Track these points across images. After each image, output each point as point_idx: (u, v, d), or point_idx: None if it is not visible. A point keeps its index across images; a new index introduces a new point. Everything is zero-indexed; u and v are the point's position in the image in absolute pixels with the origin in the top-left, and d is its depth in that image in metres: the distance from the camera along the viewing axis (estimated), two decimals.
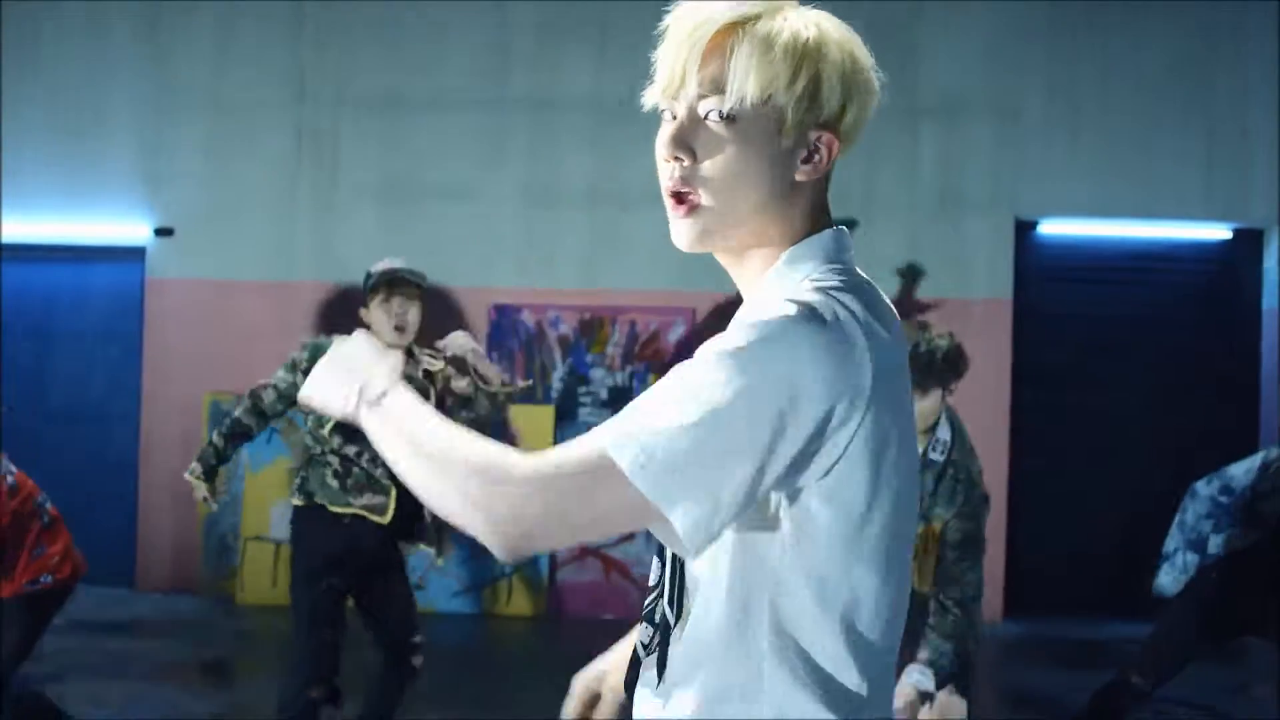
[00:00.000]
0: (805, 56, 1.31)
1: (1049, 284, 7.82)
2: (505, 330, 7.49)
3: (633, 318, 7.51)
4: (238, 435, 3.93)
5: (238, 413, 3.93)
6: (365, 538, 3.83)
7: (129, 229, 7.94)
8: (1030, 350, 7.65)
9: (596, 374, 7.54)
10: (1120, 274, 8.07)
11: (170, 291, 7.89)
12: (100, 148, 7.93)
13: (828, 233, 1.36)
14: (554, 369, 7.52)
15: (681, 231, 1.37)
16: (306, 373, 3.51)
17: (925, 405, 3.42)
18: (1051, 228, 7.97)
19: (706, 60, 1.31)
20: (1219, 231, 7.95)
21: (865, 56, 1.37)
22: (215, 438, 3.93)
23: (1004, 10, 7.82)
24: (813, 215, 1.38)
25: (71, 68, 7.97)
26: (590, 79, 7.74)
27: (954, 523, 3.48)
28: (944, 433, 3.52)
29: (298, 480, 4.01)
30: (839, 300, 1.25)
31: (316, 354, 3.74)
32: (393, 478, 3.71)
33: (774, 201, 1.34)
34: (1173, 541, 4.02)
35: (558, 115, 7.78)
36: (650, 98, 1.38)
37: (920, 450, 2.93)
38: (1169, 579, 3.99)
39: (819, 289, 1.27)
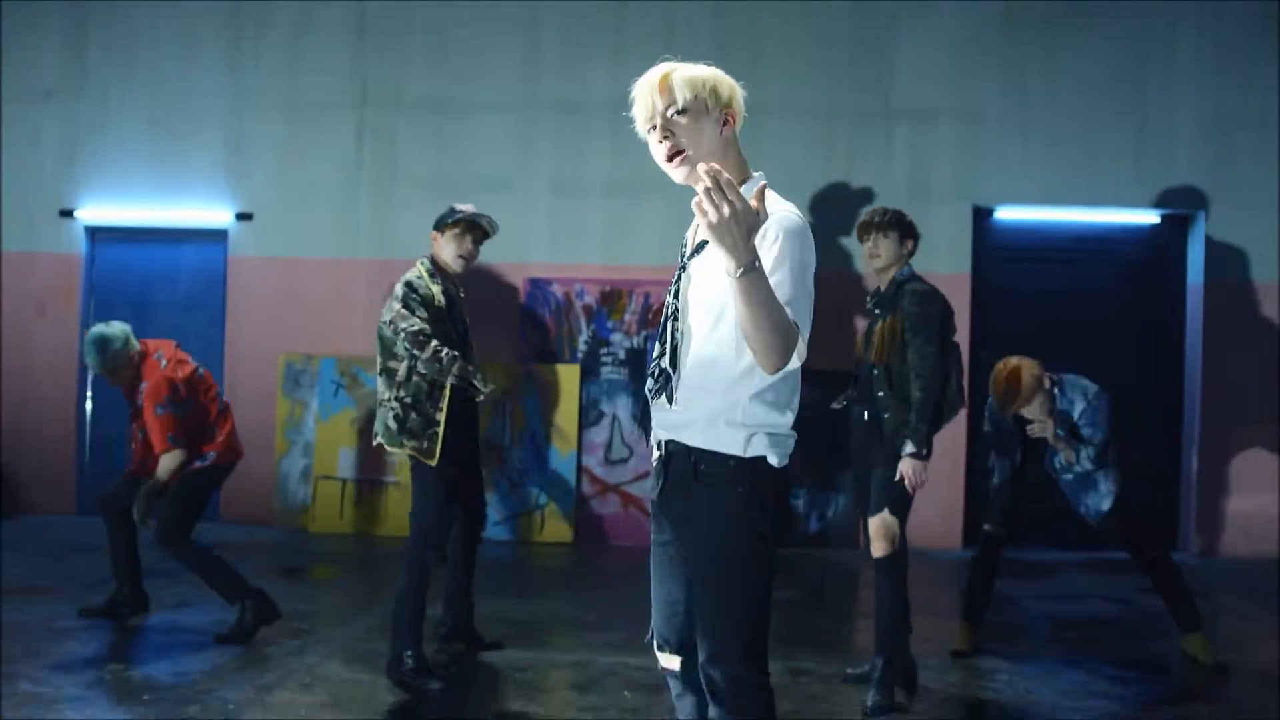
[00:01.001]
0: (707, 75, 2.51)
1: (1003, 262, 8.47)
2: (538, 300, 8.34)
3: (647, 290, 8.27)
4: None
5: (427, 356, 4.56)
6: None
7: (214, 214, 8.67)
8: (987, 318, 8.32)
9: (616, 338, 8.29)
10: (1065, 254, 8.62)
11: (249, 268, 8.67)
12: (189, 144, 8.69)
13: (760, 174, 2.52)
14: (580, 334, 8.31)
15: (678, 173, 2.53)
16: (420, 302, 4.54)
17: (885, 246, 4.61)
18: (1005, 214, 8.59)
19: (660, 92, 2.49)
20: (1150, 217, 8.57)
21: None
22: (456, 368, 4.55)
23: (965, 27, 8.48)
24: (740, 159, 2.58)
25: (165, 74, 8.73)
26: (609, 86, 8.32)
27: (907, 309, 4.52)
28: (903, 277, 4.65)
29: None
30: (794, 210, 2.44)
31: (418, 284, 4.75)
32: (445, 421, 4.55)
33: (716, 147, 2.50)
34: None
35: (581, 117, 8.49)
36: (641, 129, 2.55)
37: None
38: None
39: (787, 207, 2.44)
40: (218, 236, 8.77)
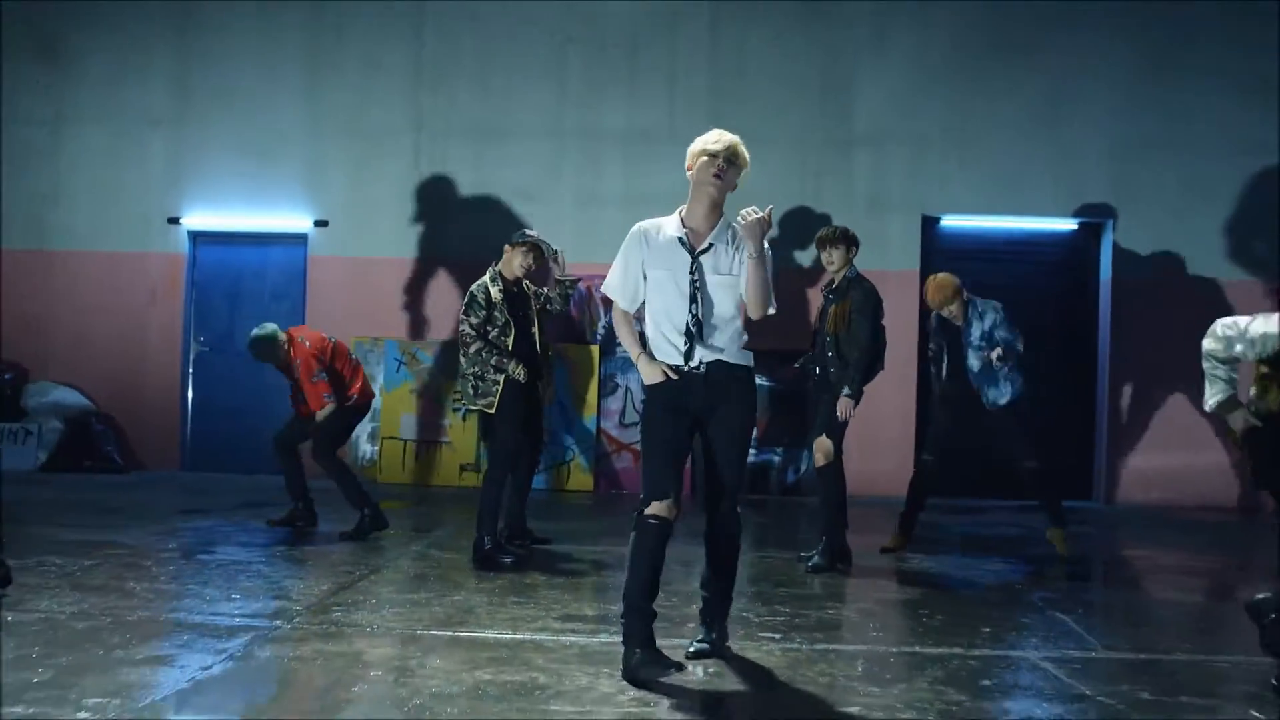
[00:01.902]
0: (742, 151, 4.27)
1: (947, 261, 9.58)
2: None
3: None
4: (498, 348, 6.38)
5: (470, 352, 6.30)
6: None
7: (295, 221, 10.32)
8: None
9: None
10: (998, 255, 10.18)
11: (325, 265, 10.34)
12: (275, 163, 10.39)
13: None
14: (599, 320, 10.08)
15: (719, 188, 4.18)
16: (481, 305, 6.34)
17: (836, 255, 6.42)
18: (949, 221, 10.25)
19: (728, 148, 4.21)
20: (1068, 224, 10.27)
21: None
22: (496, 359, 6.28)
23: (914, 67, 10.20)
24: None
25: (255, 106, 10.46)
26: (623, 117, 10.17)
27: (854, 300, 6.35)
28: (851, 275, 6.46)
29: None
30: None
31: (478, 291, 6.48)
32: (499, 384, 6.28)
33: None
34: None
35: (600, 142, 10.19)
36: (707, 151, 4.20)
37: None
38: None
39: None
40: (299, 240, 10.48)
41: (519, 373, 6.38)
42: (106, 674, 3.86)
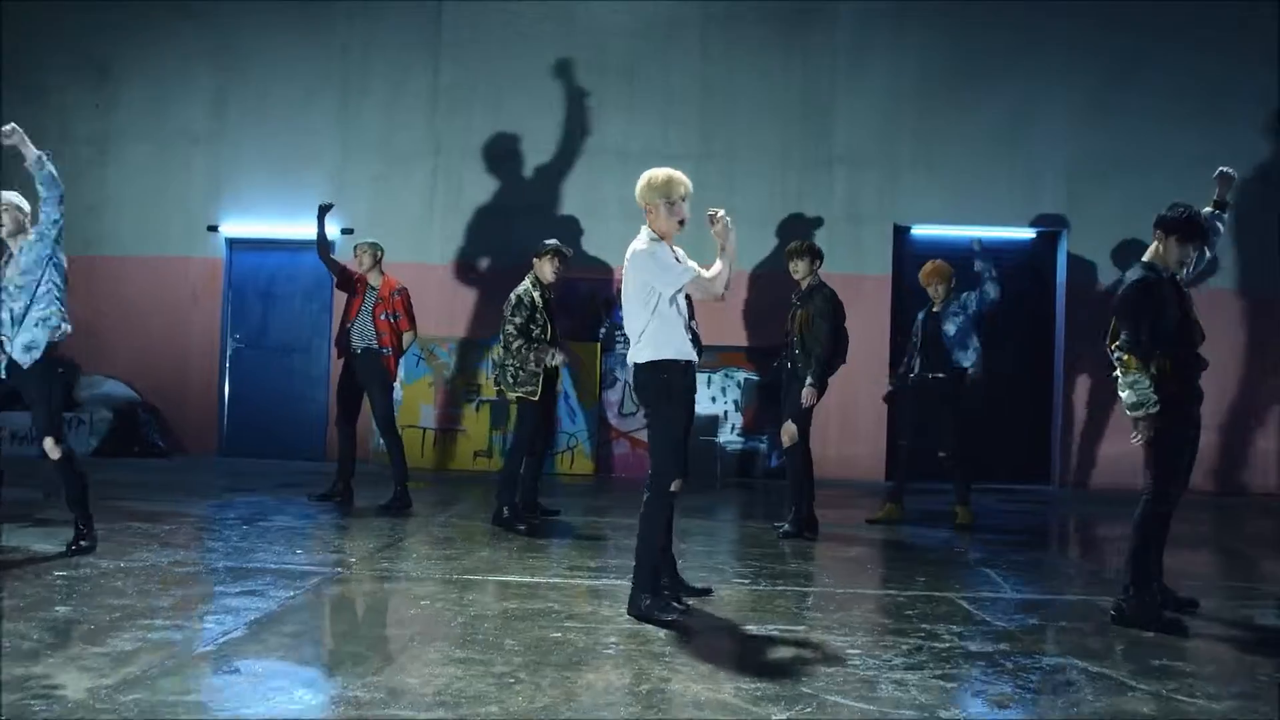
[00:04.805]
0: None
1: (915, 266, 9.95)
2: (571, 295, 10.89)
3: None
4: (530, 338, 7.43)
5: (519, 341, 7.32)
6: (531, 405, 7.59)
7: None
8: (904, 310, 10.76)
9: None
10: (963, 260, 10.53)
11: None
12: (307, 179, 11.35)
13: None
14: (601, 319, 11.11)
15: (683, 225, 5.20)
16: (526, 306, 7.38)
17: (801, 266, 7.44)
18: (919, 230, 11.20)
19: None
20: (1027, 233, 11.25)
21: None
22: (532, 355, 7.32)
23: (888, 91, 11.18)
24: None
25: (288, 125, 11.45)
26: (621, 136, 11.16)
27: (816, 305, 7.34)
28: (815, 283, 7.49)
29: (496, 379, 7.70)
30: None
31: (524, 296, 7.52)
32: (539, 374, 7.37)
33: None
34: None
35: (601, 159, 11.19)
36: (683, 196, 5.14)
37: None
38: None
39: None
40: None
41: (558, 360, 7.40)
42: (214, 602, 4.92)
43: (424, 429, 11.15)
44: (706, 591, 5.39)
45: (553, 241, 7.70)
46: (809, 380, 7.32)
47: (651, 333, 4.92)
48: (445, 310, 11.30)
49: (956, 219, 11.23)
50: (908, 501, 8.42)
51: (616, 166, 11.08)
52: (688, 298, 5.07)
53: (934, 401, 8.16)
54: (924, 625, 4.96)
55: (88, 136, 11.72)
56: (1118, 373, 4.98)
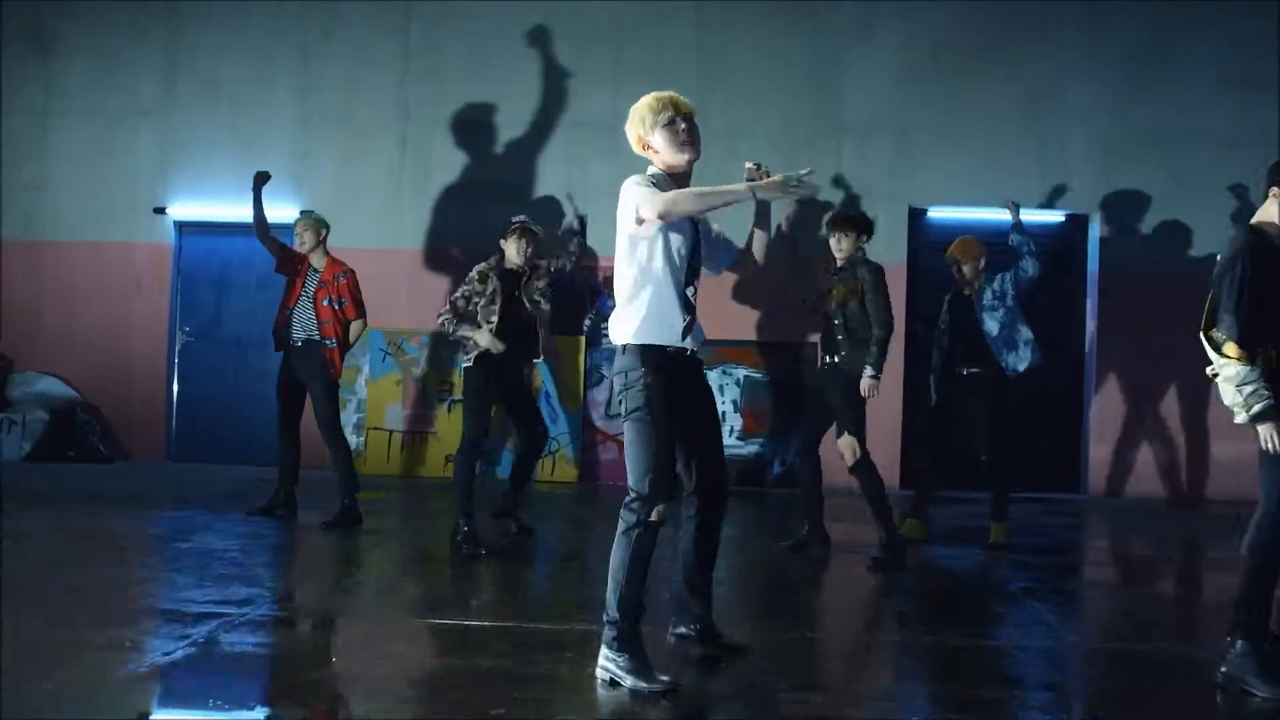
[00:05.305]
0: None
1: (934, 253, 9.37)
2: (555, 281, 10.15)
3: None
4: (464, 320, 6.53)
5: (446, 317, 6.49)
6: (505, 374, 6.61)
7: (281, 210, 9.80)
8: (921, 299, 9.83)
9: None
10: (986, 246, 10.17)
11: None
12: (262, 153, 10.16)
13: None
14: (586, 311, 10.05)
15: (695, 151, 3.93)
16: (482, 280, 6.39)
17: (846, 242, 6.37)
18: (936, 213, 10.21)
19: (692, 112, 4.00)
20: (1054, 216, 10.25)
21: None
22: (452, 325, 6.50)
23: (902, 59, 10.19)
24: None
25: (243, 96, 10.46)
26: (608, 109, 9.78)
27: (866, 278, 6.29)
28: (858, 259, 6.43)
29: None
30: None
31: (475, 273, 6.55)
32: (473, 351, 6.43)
33: None
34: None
35: (585, 134, 10.18)
36: (676, 114, 3.90)
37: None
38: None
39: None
40: (285, 230, 10.09)
41: (484, 342, 6.41)
42: (73, 659, 3.86)
43: (390, 431, 10.15)
44: (740, 650, 4.23)
45: (520, 219, 6.75)
46: (869, 371, 6.20)
47: (630, 299, 3.86)
48: (415, 299, 10.23)
49: (978, 200, 10.11)
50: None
51: (603, 141, 9.97)
52: (691, 266, 3.93)
53: (966, 399, 7.13)
54: (981, 689, 3.91)
55: (24, 109, 10.69)
56: (1215, 365, 3.92)
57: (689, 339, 3.87)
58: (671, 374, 3.81)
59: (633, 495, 3.79)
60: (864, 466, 6.30)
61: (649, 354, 3.82)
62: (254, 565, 5.71)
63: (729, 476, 4.12)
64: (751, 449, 10.07)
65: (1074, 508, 9.49)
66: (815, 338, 9.88)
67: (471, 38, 10.40)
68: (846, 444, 6.29)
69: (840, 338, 6.33)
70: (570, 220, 6.62)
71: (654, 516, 3.75)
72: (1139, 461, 10.14)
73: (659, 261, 3.83)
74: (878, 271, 6.39)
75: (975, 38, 10.25)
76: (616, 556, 3.81)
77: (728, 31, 10.36)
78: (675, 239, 3.86)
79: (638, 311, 3.82)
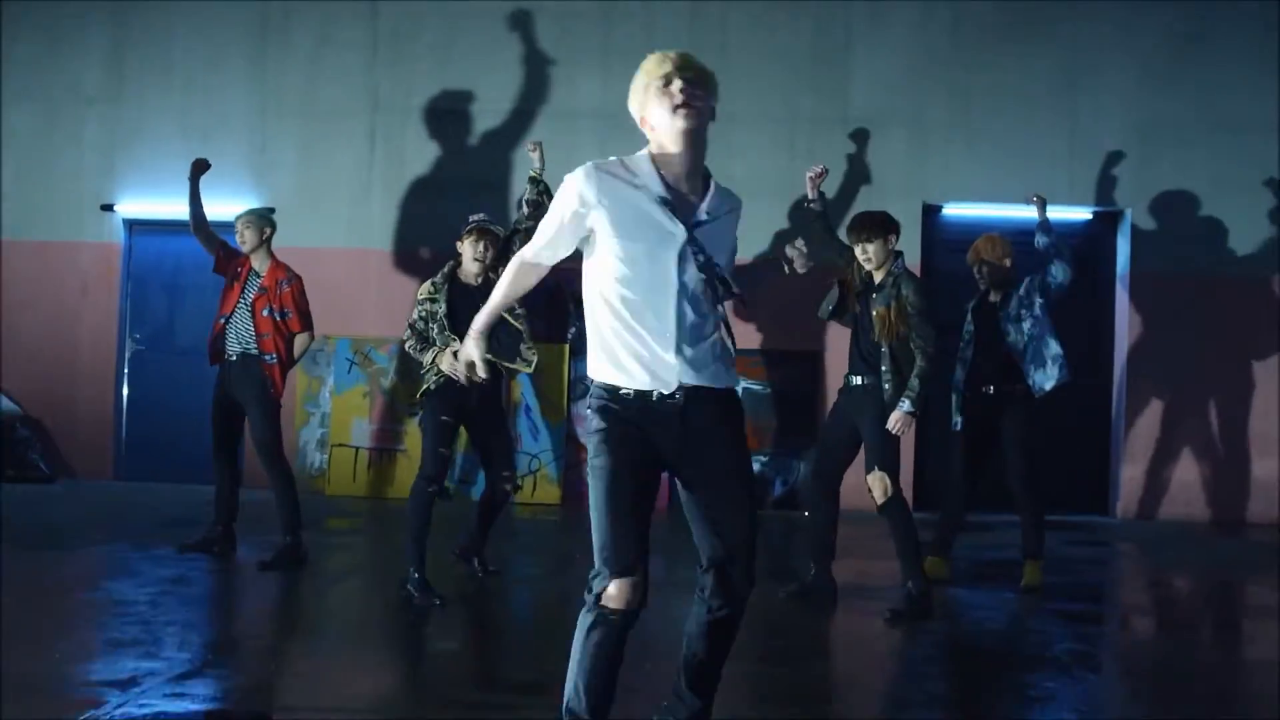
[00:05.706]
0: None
1: (950, 253, 9.06)
2: (531, 289, 9.34)
3: None
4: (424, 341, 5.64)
5: (411, 343, 5.63)
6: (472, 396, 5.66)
7: (239, 207, 9.20)
8: (937, 303, 8.96)
9: None
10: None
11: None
12: (218, 146, 9.30)
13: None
14: (569, 317, 9.19)
15: (694, 117, 2.93)
16: (431, 299, 5.52)
17: (873, 248, 5.52)
18: (952, 210, 9.49)
19: (697, 70, 3.04)
20: (1082, 213, 9.47)
21: None
22: (417, 351, 5.64)
23: (914, 43, 9.41)
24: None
25: (196, 83, 9.67)
26: (596, 95, 9.30)
27: (911, 300, 5.44)
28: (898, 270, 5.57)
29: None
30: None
31: (435, 289, 5.69)
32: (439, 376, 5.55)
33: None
34: None
35: (571, 123, 9.36)
36: (667, 76, 2.93)
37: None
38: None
39: None
40: (229, 229, 9.63)
41: (446, 367, 5.51)
42: None
43: (357, 448, 9.29)
44: None
45: (478, 217, 5.89)
46: (906, 405, 5.34)
47: (590, 326, 3.11)
48: (385, 304, 9.41)
49: (997, 196, 9.36)
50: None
51: (590, 130, 9.24)
52: (707, 263, 3.05)
53: (993, 421, 6.30)
54: None
55: None
56: None
57: (674, 381, 3.00)
58: (636, 424, 2.97)
59: (593, 569, 2.94)
60: (896, 505, 5.46)
61: (606, 396, 3.02)
62: (160, 625, 4.80)
63: (752, 561, 3.02)
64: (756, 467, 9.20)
65: (1105, 533, 8.62)
66: (822, 346, 9.22)
67: (447, 17, 9.61)
68: (878, 480, 5.45)
69: (885, 368, 5.47)
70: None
71: (605, 598, 2.88)
72: (1174, 481, 9.31)
73: (618, 291, 3.11)
74: (924, 291, 5.57)
75: (996, 16, 9.47)
76: (576, 640, 2.95)
77: (725, 9, 9.53)
78: (631, 253, 3.10)
79: (593, 336, 3.11)
